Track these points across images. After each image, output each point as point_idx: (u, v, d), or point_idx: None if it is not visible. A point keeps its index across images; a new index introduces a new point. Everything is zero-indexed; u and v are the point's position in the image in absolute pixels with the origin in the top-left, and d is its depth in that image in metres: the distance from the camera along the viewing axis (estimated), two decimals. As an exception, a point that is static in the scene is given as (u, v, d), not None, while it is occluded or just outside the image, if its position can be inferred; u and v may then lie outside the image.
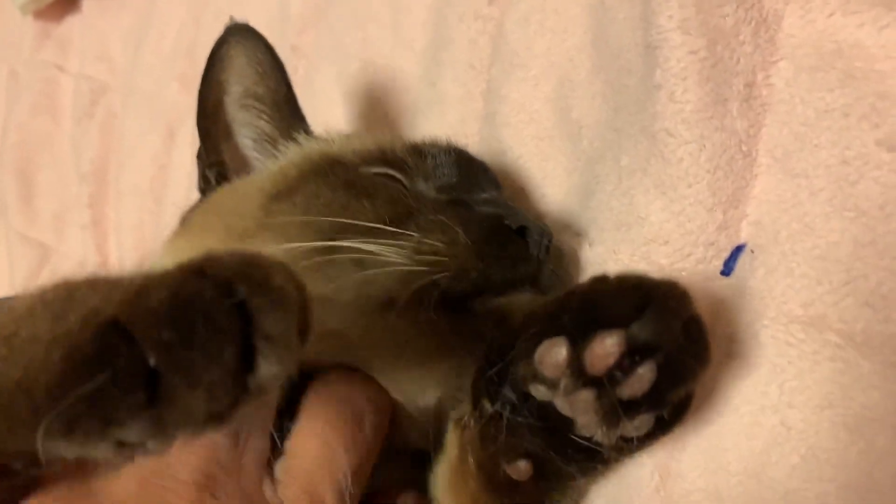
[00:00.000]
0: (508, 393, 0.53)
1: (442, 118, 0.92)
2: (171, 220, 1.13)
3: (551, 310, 0.51)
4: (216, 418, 0.37)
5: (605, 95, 0.72)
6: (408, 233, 0.61)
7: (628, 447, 0.53)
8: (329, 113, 1.06)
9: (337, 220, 0.62)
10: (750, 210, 0.60)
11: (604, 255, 0.67)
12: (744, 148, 0.60)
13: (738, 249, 0.60)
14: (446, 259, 0.60)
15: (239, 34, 0.79)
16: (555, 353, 0.48)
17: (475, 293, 0.61)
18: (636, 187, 0.65)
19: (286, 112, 0.80)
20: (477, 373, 0.57)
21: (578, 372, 0.48)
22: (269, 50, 0.79)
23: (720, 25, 0.61)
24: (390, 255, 0.59)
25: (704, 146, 0.60)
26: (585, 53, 0.76)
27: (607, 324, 0.47)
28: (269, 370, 0.37)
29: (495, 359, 0.54)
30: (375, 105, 1.02)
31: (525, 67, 0.82)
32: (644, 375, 0.46)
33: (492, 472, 0.57)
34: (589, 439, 0.52)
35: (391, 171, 0.71)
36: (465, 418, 0.59)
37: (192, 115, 1.29)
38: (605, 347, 0.46)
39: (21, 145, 1.52)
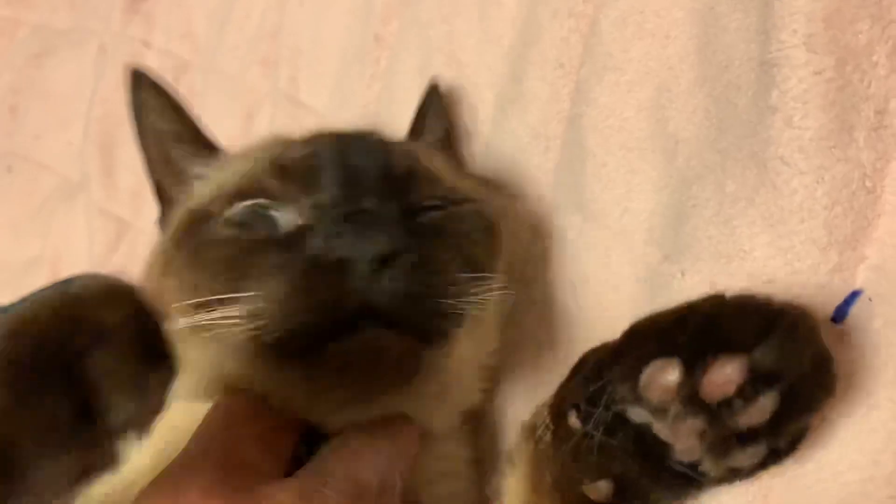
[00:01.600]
0: (602, 414, 0.50)
1: (523, 116, 0.88)
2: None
3: (662, 328, 0.48)
4: None
5: (708, 111, 0.66)
6: (243, 294, 0.56)
7: (732, 476, 0.49)
8: (408, 106, 1.03)
9: (184, 297, 0.60)
10: (870, 253, 0.54)
11: (699, 287, 0.61)
12: (868, 183, 0.54)
13: (854, 295, 0.54)
14: (264, 318, 0.55)
15: (139, 80, 0.81)
16: (665, 376, 0.45)
17: (309, 340, 0.55)
18: (739, 216, 0.59)
19: (193, 148, 0.83)
20: (560, 388, 0.56)
21: (690, 398, 0.45)
22: (161, 89, 0.82)
23: (851, 44, 0.55)
24: (227, 325, 0.56)
25: (823, 178, 0.54)
26: (688, 62, 0.70)
27: (727, 347, 0.44)
28: None
29: (590, 376, 0.52)
30: (457, 100, 0.98)
31: (619, 70, 0.77)
32: (765, 406, 0.44)
33: (568, 490, 0.55)
34: (686, 464, 0.48)
35: (258, 201, 0.64)
36: (540, 431, 0.57)
37: (271, 100, 1.30)
38: (726, 374, 0.43)
39: (105, 119, 1.54)
